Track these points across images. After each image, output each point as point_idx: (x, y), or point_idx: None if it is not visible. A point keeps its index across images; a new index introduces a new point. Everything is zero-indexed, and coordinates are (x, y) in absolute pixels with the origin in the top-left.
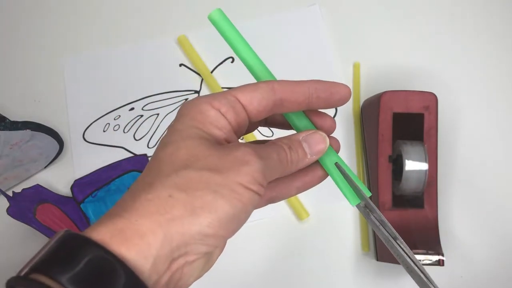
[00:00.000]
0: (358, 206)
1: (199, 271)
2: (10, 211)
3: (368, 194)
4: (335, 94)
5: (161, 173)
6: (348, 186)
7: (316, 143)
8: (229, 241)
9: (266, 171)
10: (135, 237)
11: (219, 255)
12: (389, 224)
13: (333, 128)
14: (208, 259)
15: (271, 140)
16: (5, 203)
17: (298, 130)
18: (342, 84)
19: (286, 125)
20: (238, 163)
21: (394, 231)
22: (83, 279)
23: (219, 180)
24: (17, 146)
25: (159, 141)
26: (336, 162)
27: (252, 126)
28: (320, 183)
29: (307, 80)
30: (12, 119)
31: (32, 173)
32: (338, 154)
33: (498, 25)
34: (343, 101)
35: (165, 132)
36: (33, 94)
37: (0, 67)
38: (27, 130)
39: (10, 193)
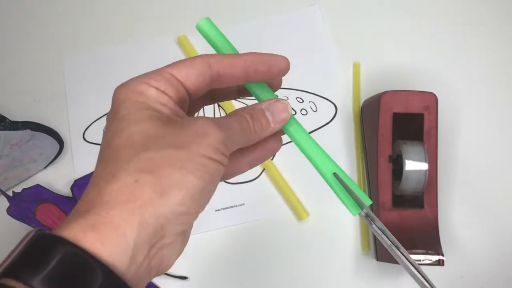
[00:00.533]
0: (360, 214)
1: (178, 250)
2: (10, 211)
3: (368, 202)
4: (274, 67)
5: (121, 161)
6: (348, 195)
7: (279, 111)
8: (229, 240)
9: (227, 141)
10: (109, 230)
11: (190, 231)
12: (390, 233)
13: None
14: (184, 237)
15: (233, 110)
16: (5, 203)
17: (259, 99)
18: (280, 56)
19: (232, 96)
20: (199, 136)
21: (396, 240)
22: (57, 279)
23: (183, 155)
24: (17, 146)
25: (104, 133)
26: (335, 173)
27: (196, 103)
28: (321, 184)
29: (245, 53)
30: (12, 119)
31: (32, 173)
32: (337, 151)
33: (498, 25)
34: (282, 73)
35: (107, 123)
36: (33, 94)
37: (0, 67)
38: (27, 130)
39: (10, 193)
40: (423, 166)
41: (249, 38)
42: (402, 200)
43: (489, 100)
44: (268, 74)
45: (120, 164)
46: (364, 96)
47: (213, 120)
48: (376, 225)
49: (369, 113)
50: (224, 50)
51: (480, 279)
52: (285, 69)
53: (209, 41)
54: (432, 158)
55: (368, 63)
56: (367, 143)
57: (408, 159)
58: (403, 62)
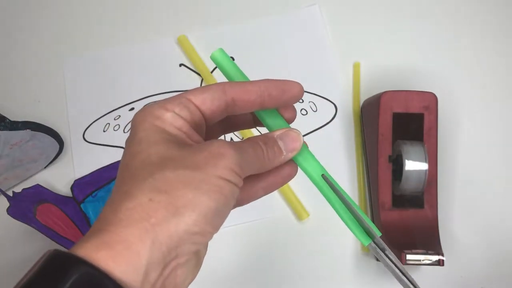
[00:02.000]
0: (369, 245)
1: (192, 272)
2: (10, 211)
3: (378, 233)
4: (287, 92)
5: (137, 180)
6: (358, 226)
7: (291, 140)
8: (229, 240)
9: (242, 164)
10: (122, 248)
11: (205, 254)
12: (402, 266)
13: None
14: (197, 258)
15: (247, 137)
16: (5, 203)
17: (270, 129)
18: (293, 81)
19: (249, 125)
20: (214, 157)
21: (409, 274)
22: None
23: (198, 176)
24: (17, 146)
25: (122, 155)
26: (348, 204)
27: (212, 130)
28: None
29: (259, 80)
30: (12, 119)
31: (32, 173)
32: (337, 151)
33: (498, 25)
34: (296, 99)
35: (126, 146)
36: (33, 94)
37: (0, 67)
38: (27, 130)
39: (10, 193)
40: (423, 166)
41: (249, 39)
42: (402, 200)
43: (489, 100)
44: (281, 99)
45: (135, 183)
46: (364, 96)
47: (229, 142)
48: (388, 256)
49: (369, 113)
50: (236, 79)
51: (480, 279)
52: (299, 93)
53: (223, 70)
54: (432, 158)
55: (368, 63)
56: (367, 143)
57: (408, 159)
58: (403, 62)
